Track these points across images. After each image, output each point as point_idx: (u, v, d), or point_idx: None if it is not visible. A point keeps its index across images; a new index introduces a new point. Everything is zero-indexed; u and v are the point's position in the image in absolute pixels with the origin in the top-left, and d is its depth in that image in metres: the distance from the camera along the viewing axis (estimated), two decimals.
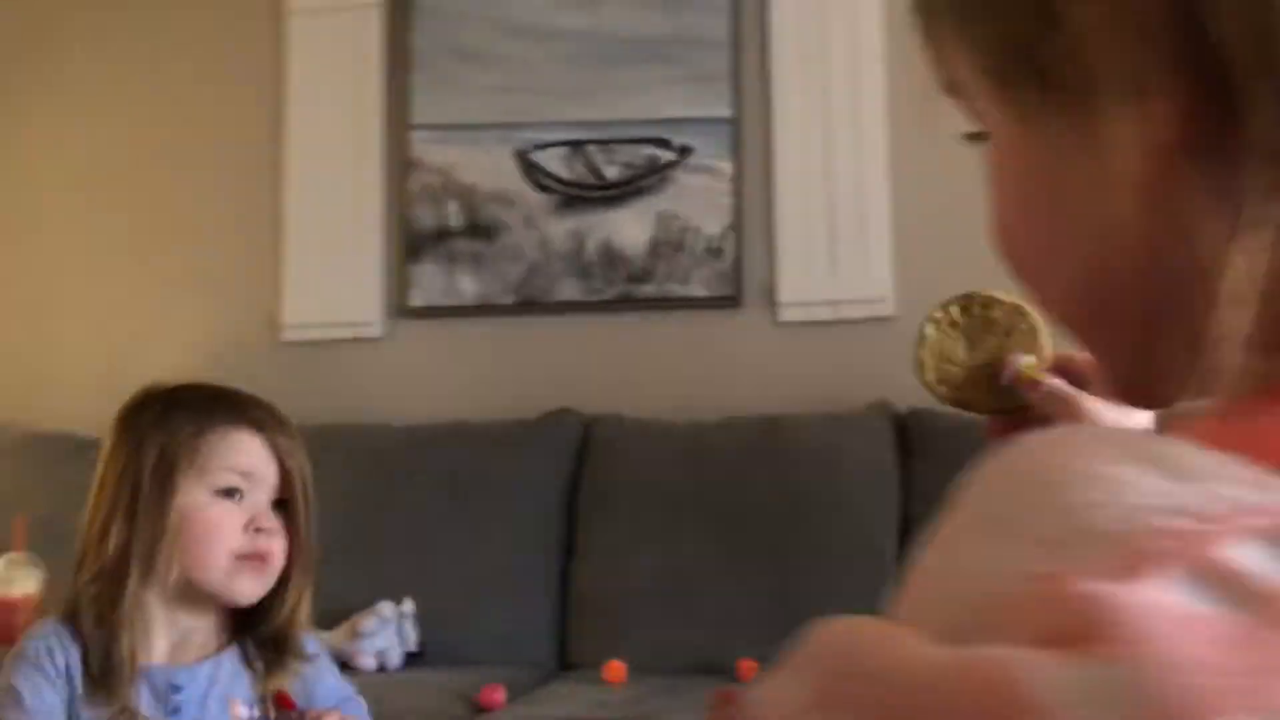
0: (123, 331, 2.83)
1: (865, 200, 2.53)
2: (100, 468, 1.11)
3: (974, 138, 0.38)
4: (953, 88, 0.38)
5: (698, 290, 2.56)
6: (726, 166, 2.57)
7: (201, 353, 2.79)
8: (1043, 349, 0.64)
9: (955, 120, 0.39)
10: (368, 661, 2.05)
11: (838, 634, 0.28)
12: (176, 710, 1.07)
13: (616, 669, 1.96)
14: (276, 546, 1.10)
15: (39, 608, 2.11)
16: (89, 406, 2.78)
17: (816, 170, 2.55)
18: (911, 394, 2.38)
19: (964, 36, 0.35)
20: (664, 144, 2.60)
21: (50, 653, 1.05)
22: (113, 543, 1.06)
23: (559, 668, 2.17)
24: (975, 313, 0.69)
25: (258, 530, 1.09)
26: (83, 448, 2.60)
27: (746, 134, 2.59)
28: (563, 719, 1.68)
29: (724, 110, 2.58)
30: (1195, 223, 0.30)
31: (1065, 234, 0.34)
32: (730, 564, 2.14)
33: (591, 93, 2.62)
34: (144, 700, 1.06)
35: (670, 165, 2.59)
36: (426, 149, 2.68)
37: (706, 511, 2.19)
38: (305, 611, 1.12)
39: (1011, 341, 0.66)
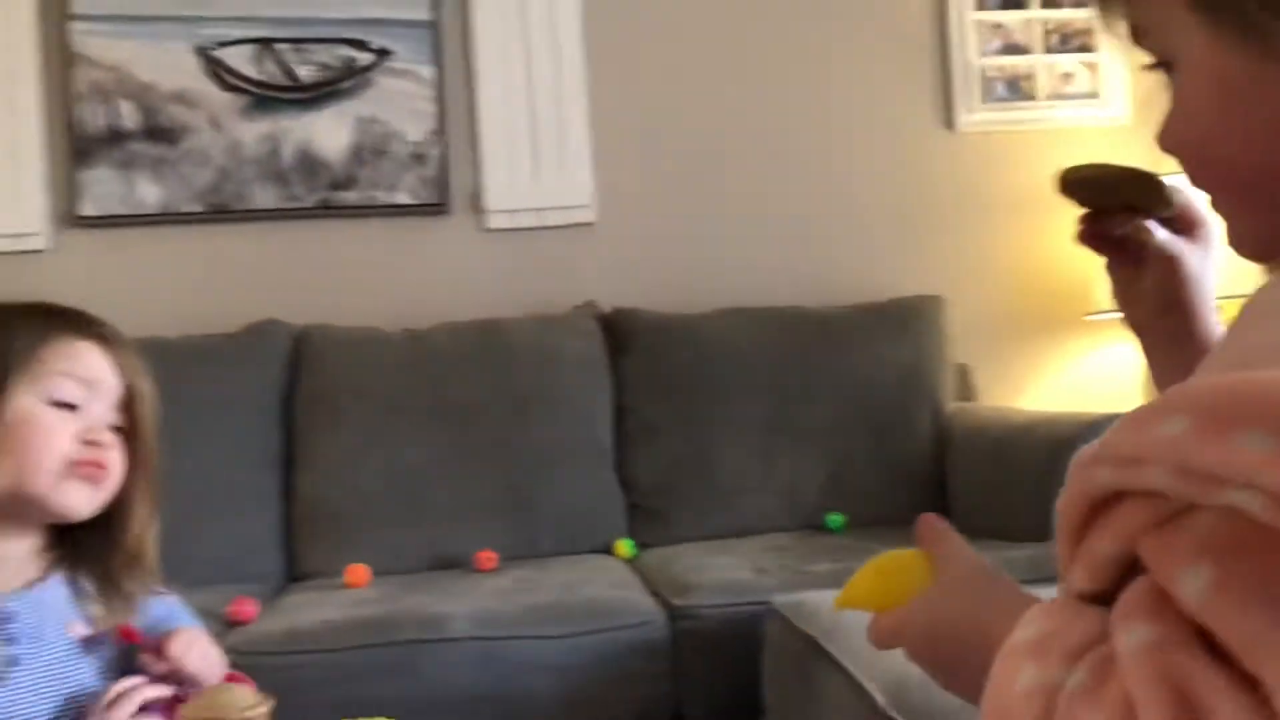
0: None
1: (565, 108, 2.59)
2: None
3: (1153, 68, 0.49)
4: (1138, 31, 0.49)
5: (403, 197, 2.53)
6: (427, 71, 2.54)
7: None
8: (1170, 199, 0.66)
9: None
10: None
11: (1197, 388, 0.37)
12: (11, 640, 0.99)
13: (359, 572, 1.95)
14: (112, 459, 1.02)
15: None
16: None
17: (518, 78, 2.57)
18: (616, 295, 2.53)
19: None
20: (361, 45, 2.52)
21: None
22: None
23: (289, 580, 2.14)
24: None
25: (91, 443, 1.01)
26: None
27: (446, 38, 2.56)
28: (333, 621, 1.66)
29: (422, 13, 2.53)
30: None
31: (1246, 133, 0.46)
32: (458, 463, 2.18)
33: None
34: None
35: (369, 68, 2.52)
36: (92, 42, 2.43)
37: (429, 414, 2.21)
38: (150, 545, 1.05)
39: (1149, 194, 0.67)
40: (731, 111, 2.65)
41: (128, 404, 1.05)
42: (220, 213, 2.48)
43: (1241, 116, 0.45)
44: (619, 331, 2.42)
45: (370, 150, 2.52)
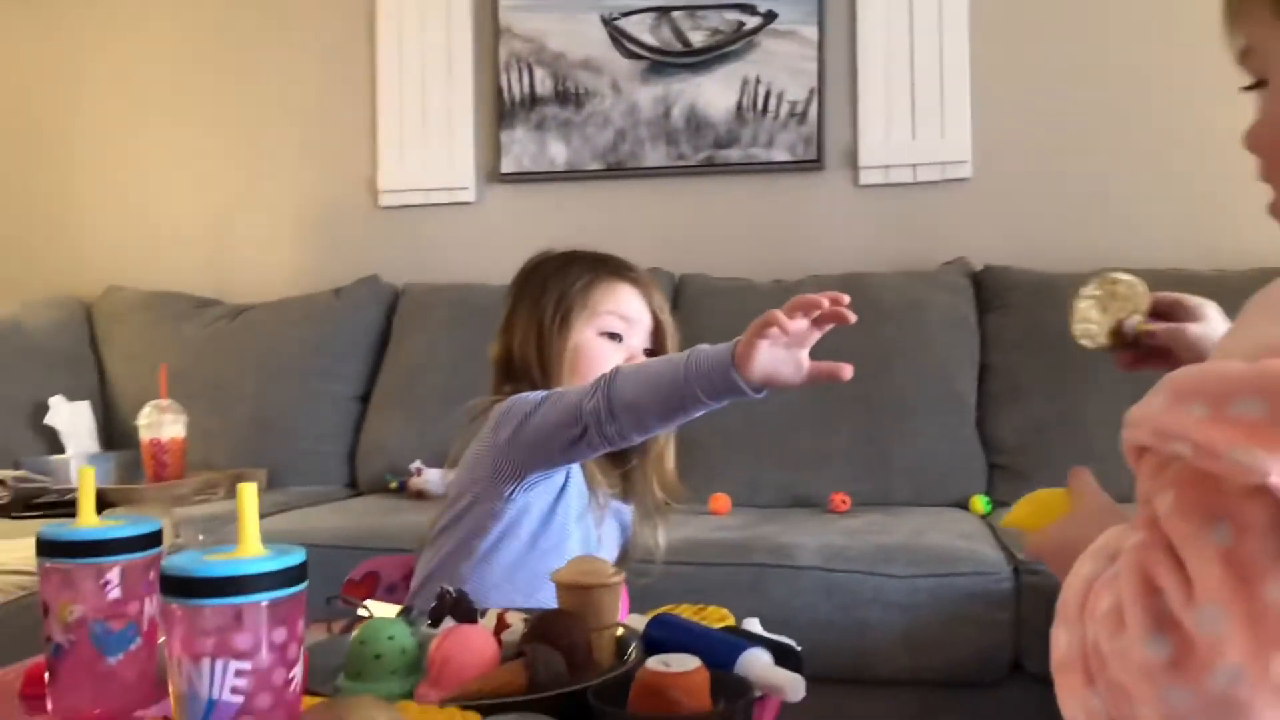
0: (222, 202, 2.95)
1: (946, 66, 2.56)
2: (507, 310, 1.29)
3: (1250, 89, 0.63)
4: (1245, 53, 0.62)
5: (781, 154, 2.62)
6: (810, 32, 2.61)
7: (302, 218, 2.91)
8: (1143, 305, 0.95)
9: None
10: None
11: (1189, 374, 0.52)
12: (599, 522, 1.23)
13: (721, 500, 2.08)
14: None
15: (184, 449, 2.27)
16: (197, 270, 2.94)
17: (900, 36, 2.58)
18: (987, 253, 2.48)
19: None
20: (749, 9, 2.63)
21: None
22: (522, 369, 1.24)
23: None
24: (1105, 287, 0.98)
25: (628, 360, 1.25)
26: (199, 306, 2.76)
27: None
28: (695, 540, 1.81)
29: None
30: None
31: None
32: (819, 409, 2.25)
33: None
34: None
35: (755, 31, 2.63)
36: (515, 17, 2.73)
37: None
38: (669, 461, 1.27)
39: (1128, 305, 0.97)
40: (1114, 68, 2.50)
41: (656, 333, 1.28)
42: (617, 170, 2.71)
43: None
44: (988, 289, 2.38)
45: (752, 109, 2.64)
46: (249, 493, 0.72)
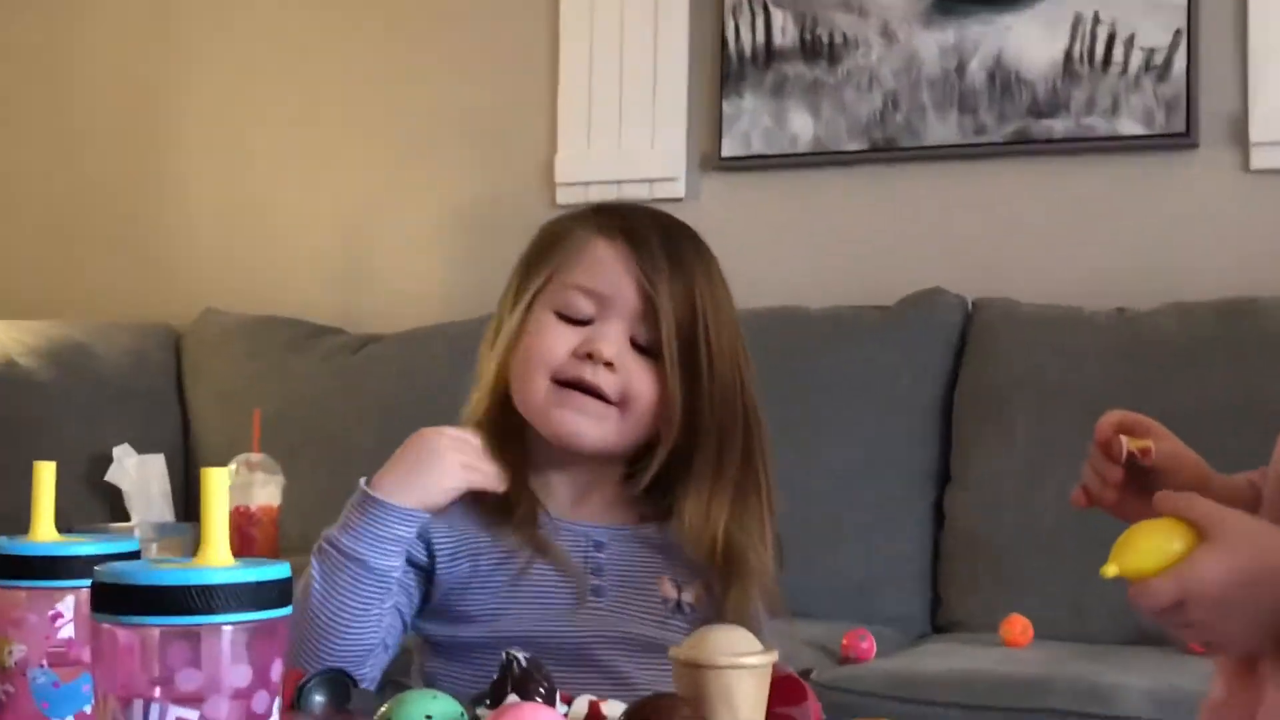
0: (352, 207, 3.13)
1: None
2: None
3: None
4: None
5: (1130, 126, 2.55)
6: None
7: (453, 224, 3.02)
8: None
9: None
10: None
11: None
12: (598, 570, 1.28)
13: (1018, 626, 2.03)
14: (607, 382, 1.26)
15: (277, 521, 2.37)
16: (318, 290, 3.09)
17: None
18: None
19: None
20: None
21: None
22: (485, 366, 1.33)
23: (931, 628, 2.29)
24: None
25: (587, 356, 1.26)
26: (314, 335, 2.91)
27: None
28: (963, 671, 1.81)
29: None
30: None
31: None
32: None
33: None
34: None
35: None
36: None
37: None
38: (722, 511, 1.28)
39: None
40: None
41: (649, 321, 1.26)
42: (884, 150, 2.69)
43: None
44: None
45: (1087, 62, 2.56)
46: (214, 479, 0.73)
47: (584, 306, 1.28)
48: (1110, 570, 0.94)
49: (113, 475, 2.64)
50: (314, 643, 1.21)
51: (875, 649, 1.96)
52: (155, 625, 0.70)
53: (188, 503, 2.74)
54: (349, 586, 1.21)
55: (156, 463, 2.69)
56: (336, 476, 2.64)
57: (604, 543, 1.31)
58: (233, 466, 2.38)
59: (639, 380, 1.27)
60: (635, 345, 1.28)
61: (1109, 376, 2.26)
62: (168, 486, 2.69)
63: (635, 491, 1.31)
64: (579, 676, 1.13)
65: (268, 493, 2.38)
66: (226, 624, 0.70)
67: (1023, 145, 2.61)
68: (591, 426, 1.27)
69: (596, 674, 1.20)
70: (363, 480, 1.25)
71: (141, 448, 2.70)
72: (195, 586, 0.70)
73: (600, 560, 1.29)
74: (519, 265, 1.35)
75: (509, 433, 1.31)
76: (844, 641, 1.97)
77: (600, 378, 1.26)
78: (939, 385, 2.41)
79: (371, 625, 1.22)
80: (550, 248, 1.32)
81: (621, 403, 1.27)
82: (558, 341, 1.27)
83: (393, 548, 1.22)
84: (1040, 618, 2.09)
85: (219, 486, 0.73)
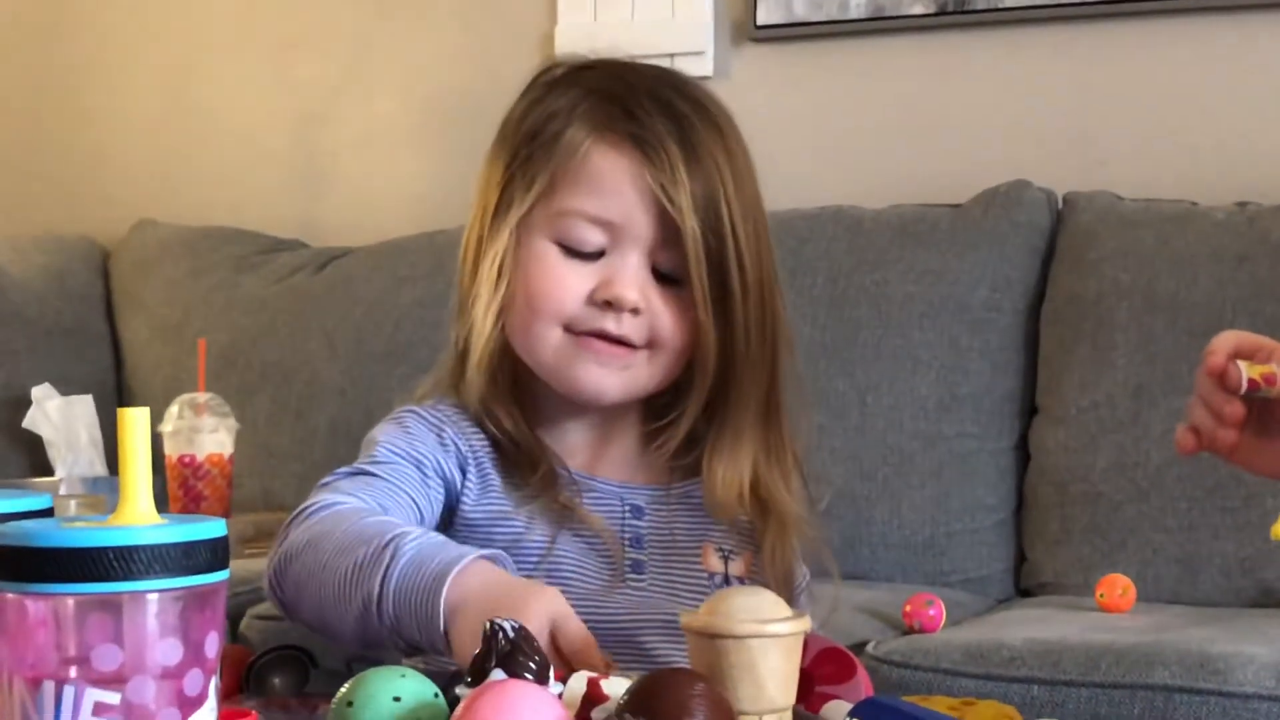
0: (310, 99, 3.12)
1: None
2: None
3: None
4: None
5: None
6: None
7: (431, 115, 3.02)
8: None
9: None
10: None
11: None
12: (637, 540, 1.30)
13: (1118, 586, 2.03)
14: (633, 329, 1.26)
15: (230, 474, 2.38)
16: (270, 197, 3.08)
17: None
18: None
19: None
20: None
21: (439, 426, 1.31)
22: (475, 300, 1.30)
23: (1014, 589, 2.32)
24: None
25: (606, 304, 1.26)
26: (268, 251, 2.91)
27: None
28: (1047, 642, 1.80)
29: None
30: None
31: None
32: None
33: None
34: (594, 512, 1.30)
35: None
36: None
37: None
38: (750, 455, 1.29)
39: None
40: None
41: (670, 244, 1.26)
42: (955, 14, 2.66)
43: None
44: None
45: None
46: (132, 420, 0.73)
47: (592, 237, 1.27)
48: None
49: (31, 421, 2.64)
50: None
51: (944, 617, 1.96)
52: (68, 594, 0.70)
53: None
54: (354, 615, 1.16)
55: (83, 405, 2.68)
56: (300, 420, 2.68)
57: (642, 508, 1.32)
58: (174, 409, 2.37)
59: (666, 319, 1.27)
60: (655, 273, 1.27)
61: (1227, 286, 2.26)
62: (98, 434, 2.69)
63: (667, 446, 1.31)
64: (620, 665, 1.13)
65: (217, 440, 2.37)
66: (151, 591, 0.71)
67: (1126, 4, 2.58)
68: (615, 380, 1.27)
69: (640, 663, 1.20)
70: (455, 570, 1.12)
71: (65, 388, 2.69)
72: (113, 548, 0.70)
73: (640, 529, 1.30)
74: (496, 161, 1.32)
75: (515, 378, 1.31)
76: (906, 608, 1.96)
77: (625, 327, 1.26)
78: (1023, 299, 2.41)
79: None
80: (537, 150, 1.29)
81: (647, 345, 1.27)
82: (568, 285, 1.26)
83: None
84: (1144, 577, 2.11)
85: (137, 428, 0.74)
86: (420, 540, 1.11)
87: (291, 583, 1.16)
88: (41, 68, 3.31)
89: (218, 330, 2.66)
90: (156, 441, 2.41)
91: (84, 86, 3.29)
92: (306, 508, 1.20)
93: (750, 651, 0.89)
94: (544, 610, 1.05)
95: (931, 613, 1.95)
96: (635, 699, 0.84)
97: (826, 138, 2.75)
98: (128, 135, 3.25)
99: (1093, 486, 2.24)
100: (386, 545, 1.10)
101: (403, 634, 1.10)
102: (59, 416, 2.65)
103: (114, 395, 2.85)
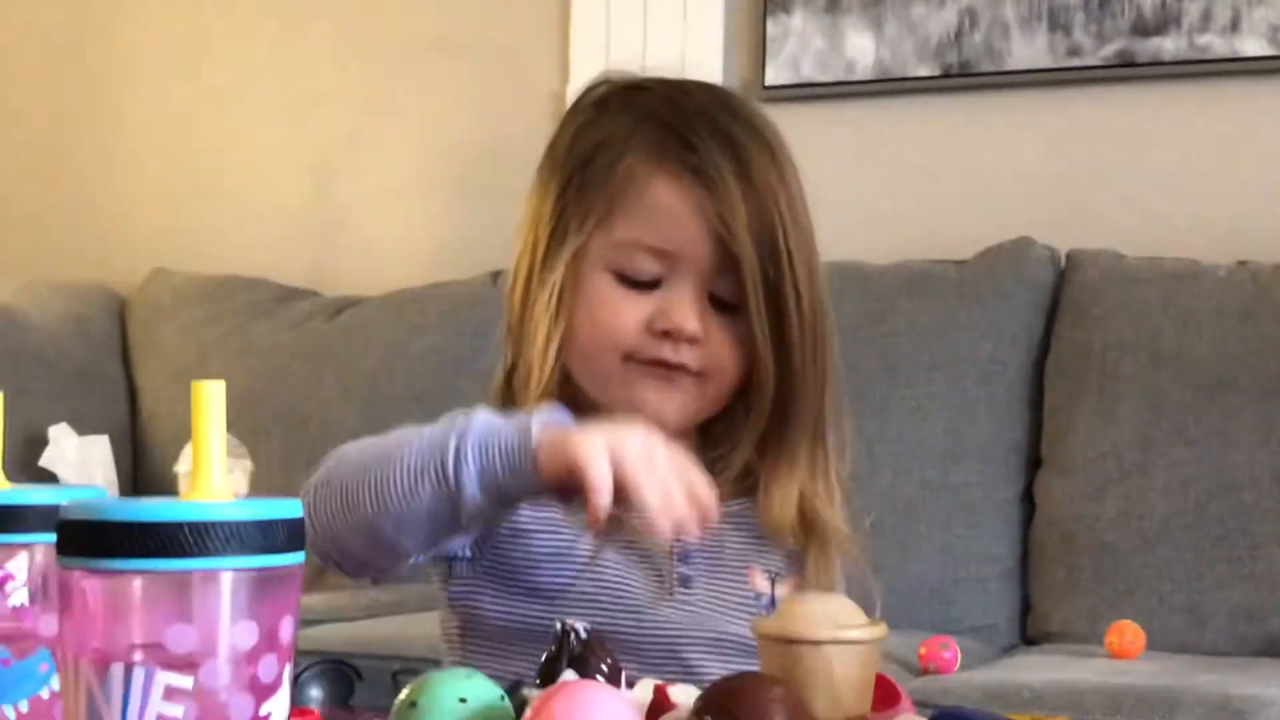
0: (325, 152, 3.11)
1: None
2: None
3: None
4: None
5: (1255, 45, 2.53)
6: None
7: (444, 168, 3.01)
8: None
9: None
10: None
11: None
12: (685, 556, 1.27)
13: (1126, 633, 2.02)
14: (691, 358, 1.24)
15: None
16: (283, 248, 3.07)
17: None
18: None
19: None
20: None
21: None
22: (534, 332, 1.27)
23: (1020, 637, 2.30)
24: None
25: (664, 334, 1.24)
26: (281, 299, 2.91)
27: None
28: (1060, 683, 1.81)
29: None
30: None
31: None
32: None
33: None
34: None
35: None
36: None
37: (1266, 398, 2.20)
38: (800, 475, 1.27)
39: None
40: None
41: (726, 271, 1.23)
42: (960, 76, 2.67)
43: None
44: None
45: None
46: (207, 392, 0.71)
47: (649, 267, 1.24)
48: None
49: (48, 460, 2.63)
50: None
51: (959, 659, 1.94)
52: (138, 571, 0.67)
53: (135, 492, 2.74)
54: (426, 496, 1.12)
55: (99, 445, 2.69)
56: (314, 463, 2.64)
57: None
58: (189, 451, 2.35)
59: (723, 347, 1.25)
60: (711, 299, 1.26)
61: (1230, 341, 2.26)
62: (113, 474, 2.69)
63: (725, 474, 1.27)
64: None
65: (232, 481, 2.34)
66: (226, 570, 0.67)
67: (1125, 69, 2.59)
68: (674, 406, 1.25)
69: (683, 678, 1.18)
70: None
71: (82, 428, 2.69)
72: (188, 523, 0.67)
73: (689, 544, 1.26)
74: (547, 188, 1.29)
75: (575, 406, 1.28)
76: (922, 651, 1.96)
77: (683, 355, 1.24)
78: (1027, 353, 2.41)
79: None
80: (592, 178, 1.26)
81: (704, 373, 1.26)
82: (626, 314, 1.24)
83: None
84: (1150, 626, 2.09)
85: (213, 401, 0.72)
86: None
87: (324, 496, 1.16)
88: (62, 120, 3.33)
89: (232, 375, 2.62)
90: (172, 480, 2.38)
91: (103, 138, 3.29)
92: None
93: (827, 658, 0.86)
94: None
95: (947, 655, 1.96)
96: (712, 701, 0.82)
97: (834, 195, 2.70)
98: (145, 186, 3.25)
99: (1098, 537, 2.24)
100: (451, 417, 1.10)
101: (484, 480, 1.06)
102: (75, 456, 2.66)
103: (129, 437, 2.86)
